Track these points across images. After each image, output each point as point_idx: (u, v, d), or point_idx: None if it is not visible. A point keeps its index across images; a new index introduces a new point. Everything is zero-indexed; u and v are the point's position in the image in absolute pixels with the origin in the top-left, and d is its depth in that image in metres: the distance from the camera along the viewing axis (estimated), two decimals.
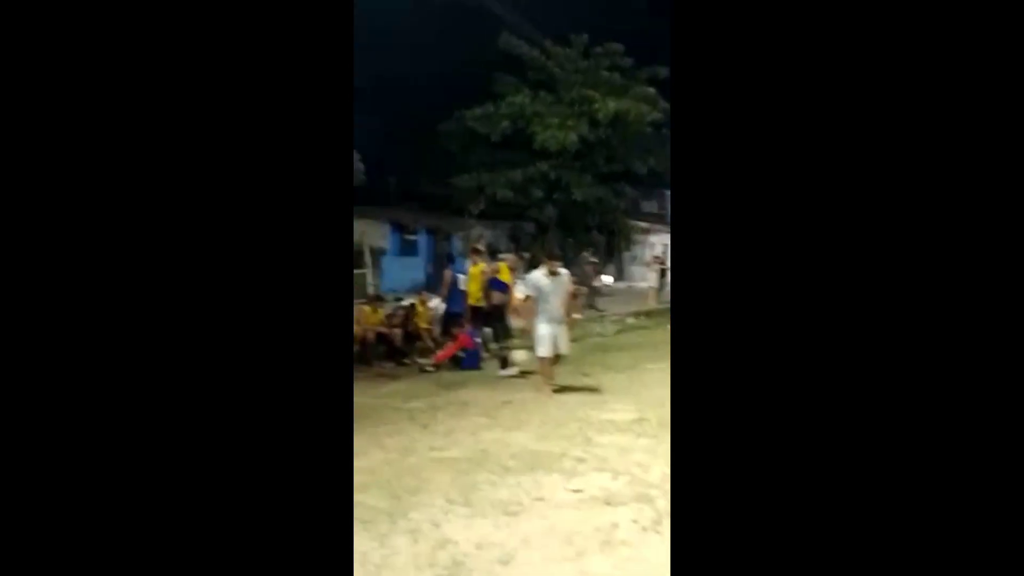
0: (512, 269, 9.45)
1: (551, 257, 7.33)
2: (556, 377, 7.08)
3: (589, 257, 17.31)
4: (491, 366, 8.92)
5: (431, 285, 12.32)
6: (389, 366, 9.20)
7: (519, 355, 8.43)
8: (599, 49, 19.24)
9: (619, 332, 11.37)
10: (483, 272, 9.26)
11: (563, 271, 7.29)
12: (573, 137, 18.33)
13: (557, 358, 7.07)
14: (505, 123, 18.93)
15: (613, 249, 22.63)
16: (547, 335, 6.92)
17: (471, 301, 9.42)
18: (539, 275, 7.10)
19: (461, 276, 9.73)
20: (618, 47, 18.83)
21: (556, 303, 7.00)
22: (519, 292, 8.33)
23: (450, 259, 12.84)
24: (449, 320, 9.65)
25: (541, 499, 3.96)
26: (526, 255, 11.28)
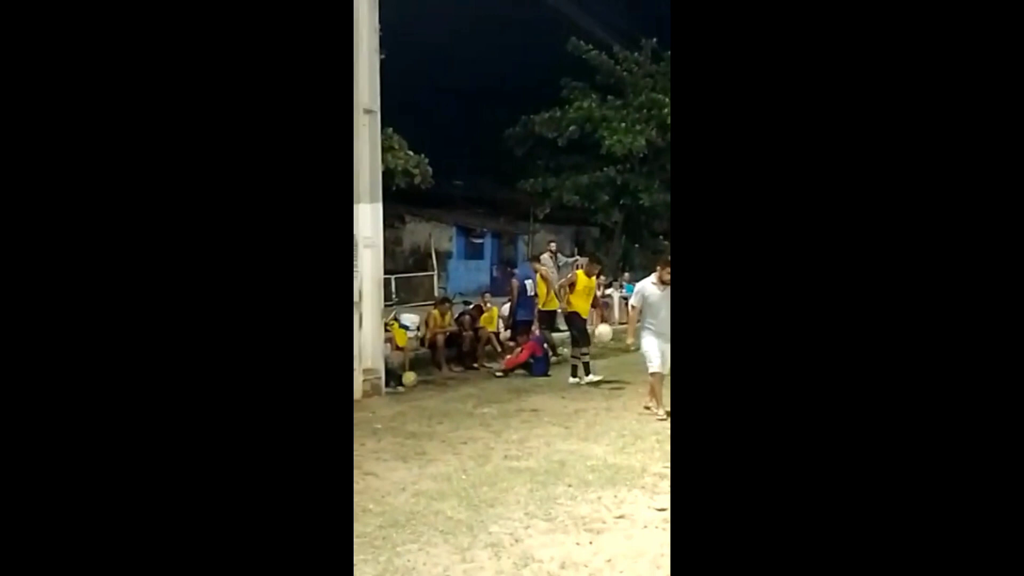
0: (590, 275, 9.00)
1: (664, 264, 6.48)
2: (659, 398, 6.37)
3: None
4: (556, 371, 8.83)
5: (496, 288, 12.29)
6: (458, 370, 9.17)
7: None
8: (669, 53, 18.96)
9: None
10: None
11: None
12: (641, 142, 18.07)
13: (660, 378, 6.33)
14: (572, 127, 18.79)
15: None
16: (656, 348, 6.27)
17: (540, 305, 9.39)
18: (647, 284, 6.53)
19: (528, 282, 9.67)
20: None
21: (665, 315, 6.22)
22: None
23: (511, 265, 12.81)
24: (517, 327, 9.59)
25: (623, 517, 3.85)
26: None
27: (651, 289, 6.44)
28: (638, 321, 6.52)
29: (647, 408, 6.43)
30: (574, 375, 8.20)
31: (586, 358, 8.33)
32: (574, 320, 8.67)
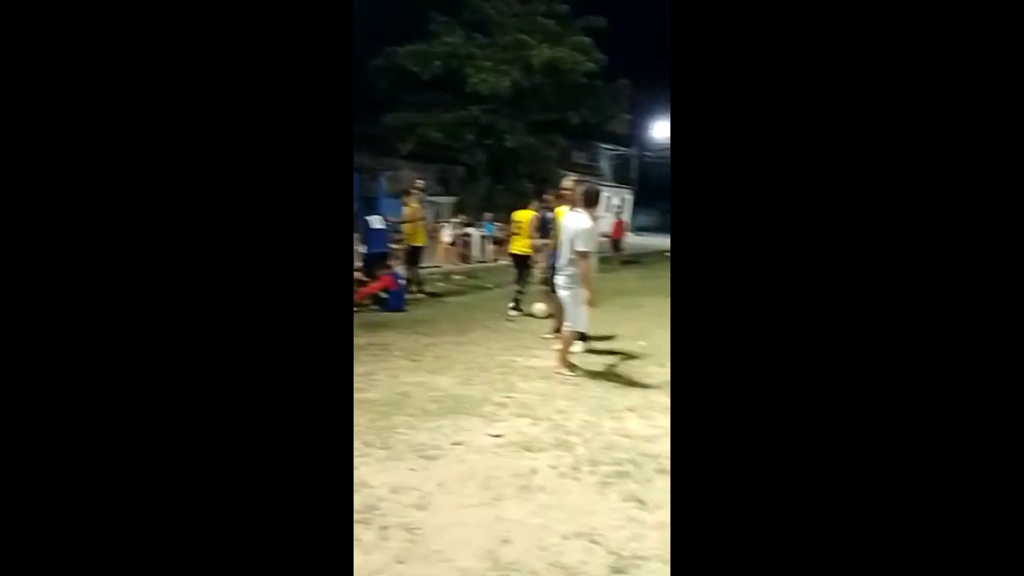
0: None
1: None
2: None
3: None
4: (414, 307, 8.83)
5: (358, 221, 12.09)
6: None
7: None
8: None
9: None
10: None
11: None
12: (506, 82, 18.06)
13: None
14: (437, 63, 18.49)
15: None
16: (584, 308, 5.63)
17: (410, 241, 9.72)
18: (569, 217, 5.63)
19: (375, 217, 9.86)
20: None
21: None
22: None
23: (373, 200, 12.78)
24: (370, 261, 9.49)
25: (460, 443, 3.92)
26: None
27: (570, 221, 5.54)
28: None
29: (560, 373, 5.58)
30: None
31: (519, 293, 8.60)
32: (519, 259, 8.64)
